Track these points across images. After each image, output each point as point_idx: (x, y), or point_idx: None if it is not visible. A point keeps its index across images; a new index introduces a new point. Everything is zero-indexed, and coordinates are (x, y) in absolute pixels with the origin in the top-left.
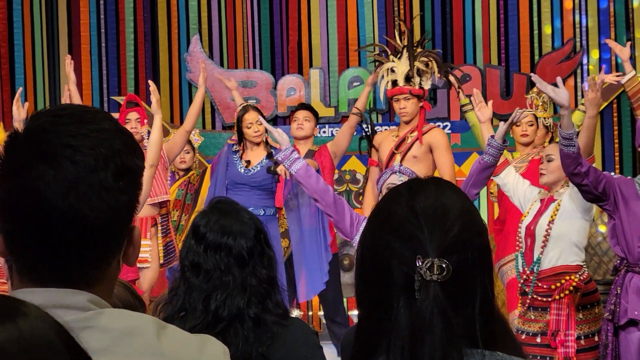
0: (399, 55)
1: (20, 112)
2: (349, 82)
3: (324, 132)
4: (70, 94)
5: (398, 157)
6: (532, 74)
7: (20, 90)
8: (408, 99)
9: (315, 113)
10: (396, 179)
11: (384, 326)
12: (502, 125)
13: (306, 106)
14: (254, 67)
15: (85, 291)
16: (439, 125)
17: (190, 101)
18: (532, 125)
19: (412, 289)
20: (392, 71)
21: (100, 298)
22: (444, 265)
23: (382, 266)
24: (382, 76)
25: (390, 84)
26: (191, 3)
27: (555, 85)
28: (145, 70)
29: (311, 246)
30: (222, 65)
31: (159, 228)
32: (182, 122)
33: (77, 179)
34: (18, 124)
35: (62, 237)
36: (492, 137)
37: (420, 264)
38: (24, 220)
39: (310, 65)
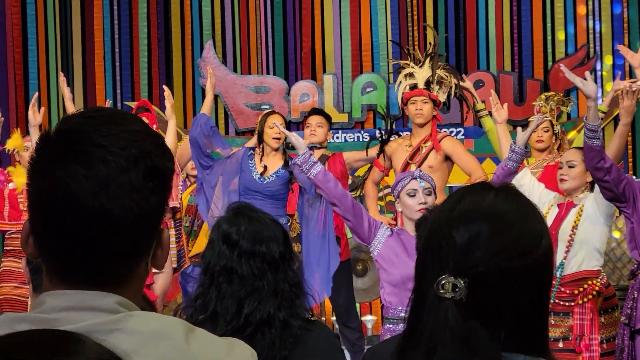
0: (420, 64)
1: (36, 117)
2: (362, 88)
3: (337, 137)
4: (67, 112)
5: (413, 167)
6: (560, 65)
7: (36, 95)
8: (425, 102)
9: (328, 118)
10: (417, 185)
11: (417, 329)
12: (524, 133)
13: (319, 111)
14: (267, 72)
15: (114, 293)
16: (452, 132)
17: None
18: (547, 131)
19: (439, 300)
20: (411, 76)
21: (129, 300)
22: (459, 285)
23: (422, 272)
24: (400, 81)
25: (408, 88)
26: (205, 9)
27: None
28: (158, 76)
29: (322, 252)
30: (235, 71)
31: (173, 233)
32: None
33: (108, 178)
34: (33, 129)
35: (92, 236)
36: (514, 143)
37: (441, 279)
38: (54, 219)
39: (324, 71)
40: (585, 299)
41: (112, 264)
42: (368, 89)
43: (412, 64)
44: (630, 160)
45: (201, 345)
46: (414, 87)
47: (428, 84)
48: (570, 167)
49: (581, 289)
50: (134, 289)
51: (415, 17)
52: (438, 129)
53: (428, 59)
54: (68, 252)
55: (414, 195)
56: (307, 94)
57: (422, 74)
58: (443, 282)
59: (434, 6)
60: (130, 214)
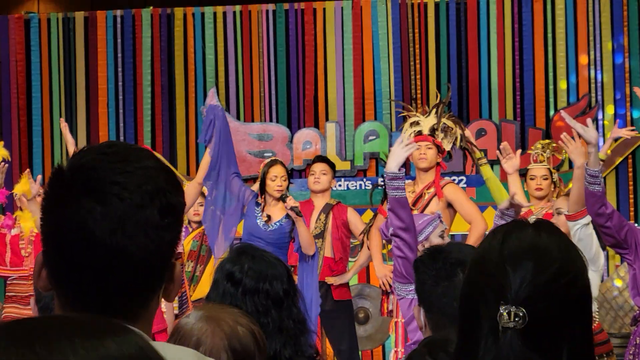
0: (426, 115)
1: (32, 190)
2: (364, 136)
3: (340, 185)
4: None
5: (415, 213)
6: (561, 110)
7: (39, 177)
8: (430, 147)
9: (332, 165)
10: (444, 227)
11: None
12: (521, 199)
13: (323, 159)
14: (270, 120)
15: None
16: (454, 180)
17: None
18: (546, 179)
19: (497, 333)
20: (417, 124)
21: (141, 332)
22: (520, 314)
23: (472, 307)
24: (405, 130)
25: (413, 134)
26: (208, 56)
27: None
28: (162, 123)
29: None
30: (238, 118)
31: None
32: None
33: (125, 215)
34: (32, 201)
35: (107, 272)
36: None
37: (501, 310)
38: (69, 253)
39: (327, 119)
40: None
41: (126, 297)
42: (371, 137)
43: (417, 114)
44: (632, 209)
45: None
46: (418, 133)
47: (433, 131)
48: (558, 214)
49: None
50: (145, 321)
51: (417, 66)
52: (441, 176)
53: (434, 110)
54: (82, 286)
55: (443, 238)
56: (310, 141)
57: (427, 122)
58: (505, 311)
59: (437, 55)
60: (145, 250)
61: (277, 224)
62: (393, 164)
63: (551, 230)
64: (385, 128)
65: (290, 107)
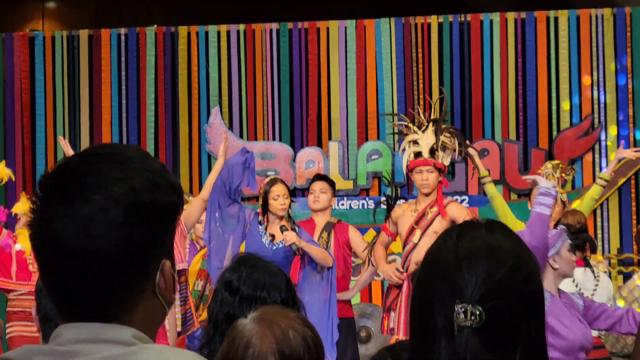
0: (423, 129)
1: None
2: (367, 155)
3: (342, 204)
4: None
5: (418, 232)
6: None
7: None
8: (431, 171)
9: (331, 183)
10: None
11: None
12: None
13: (322, 177)
14: (273, 139)
15: (119, 324)
16: (457, 199)
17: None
18: None
19: (452, 332)
20: (416, 143)
21: (143, 333)
22: (477, 312)
23: (427, 307)
24: (404, 148)
25: (412, 155)
26: (212, 75)
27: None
28: (165, 141)
29: (323, 317)
30: (241, 136)
31: (178, 296)
32: None
33: (88, 217)
34: None
35: (79, 275)
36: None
37: (458, 309)
38: (44, 259)
39: (329, 138)
40: None
41: (107, 297)
42: (373, 156)
43: (414, 128)
44: (635, 230)
45: None
46: (418, 154)
47: (432, 152)
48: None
49: None
50: (142, 320)
51: (420, 86)
52: (444, 195)
53: (431, 124)
54: (63, 289)
55: (571, 252)
56: (313, 160)
57: (425, 140)
58: (462, 310)
59: (440, 74)
60: (113, 250)
61: (282, 242)
62: (547, 184)
63: (504, 231)
64: (388, 147)
65: (293, 125)
